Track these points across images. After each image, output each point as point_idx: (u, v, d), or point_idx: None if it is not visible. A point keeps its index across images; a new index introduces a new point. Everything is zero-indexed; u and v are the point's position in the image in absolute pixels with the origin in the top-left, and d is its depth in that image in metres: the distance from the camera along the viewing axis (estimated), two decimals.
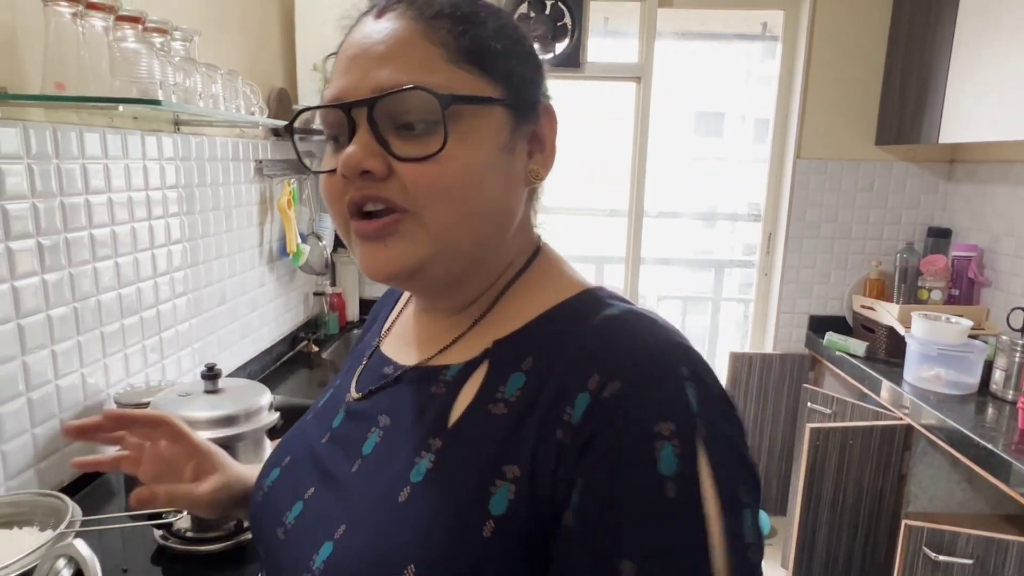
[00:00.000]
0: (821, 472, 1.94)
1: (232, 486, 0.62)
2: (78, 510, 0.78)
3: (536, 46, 0.53)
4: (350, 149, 0.46)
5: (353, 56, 0.47)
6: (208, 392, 0.98)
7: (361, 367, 0.59)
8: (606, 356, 0.44)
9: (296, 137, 0.49)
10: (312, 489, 0.51)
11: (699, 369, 0.44)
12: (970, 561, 1.39)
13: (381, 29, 0.47)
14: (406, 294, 0.63)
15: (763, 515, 2.69)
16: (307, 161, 0.56)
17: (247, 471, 0.64)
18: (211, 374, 0.98)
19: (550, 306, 0.50)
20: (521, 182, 0.51)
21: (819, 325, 2.53)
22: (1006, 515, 2.00)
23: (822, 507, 1.96)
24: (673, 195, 2.97)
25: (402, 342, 0.58)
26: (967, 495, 1.99)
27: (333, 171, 0.48)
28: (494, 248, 0.51)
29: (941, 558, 1.39)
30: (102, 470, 0.64)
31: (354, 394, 0.56)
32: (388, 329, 0.62)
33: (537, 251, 0.55)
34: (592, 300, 0.50)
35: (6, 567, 0.66)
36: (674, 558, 0.39)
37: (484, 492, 0.43)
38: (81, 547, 0.63)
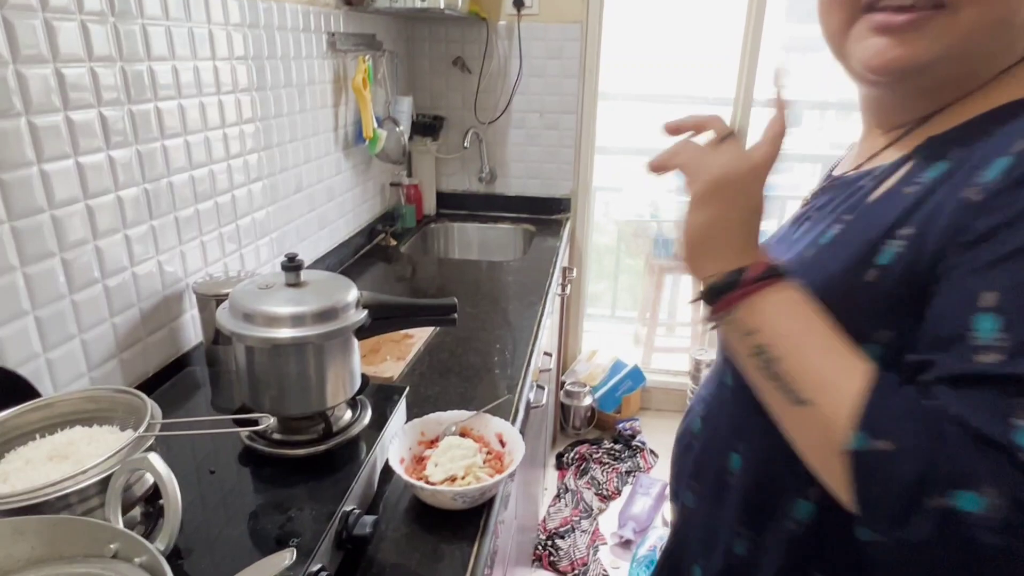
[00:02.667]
0: None
1: None
2: (157, 410, 0.70)
3: None
4: None
5: None
6: (290, 285, 0.88)
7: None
8: None
9: None
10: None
11: None
12: None
13: None
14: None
15: None
16: None
17: None
18: (292, 265, 0.87)
19: (995, 106, 0.50)
20: None
21: None
22: None
23: None
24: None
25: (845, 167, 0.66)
26: None
27: None
28: (994, 60, 0.51)
29: None
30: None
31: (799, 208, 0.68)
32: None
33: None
34: None
35: (86, 471, 0.59)
36: None
37: (876, 249, 0.50)
38: (156, 462, 0.55)
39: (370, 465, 0.88)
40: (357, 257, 1.95)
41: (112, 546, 0.51)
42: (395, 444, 0.93)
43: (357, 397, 0.97)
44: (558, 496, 2.21)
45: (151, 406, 0.71)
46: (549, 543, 1.99)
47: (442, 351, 1.36)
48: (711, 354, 2.66)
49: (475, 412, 1.00)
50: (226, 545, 0.71)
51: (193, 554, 0.69)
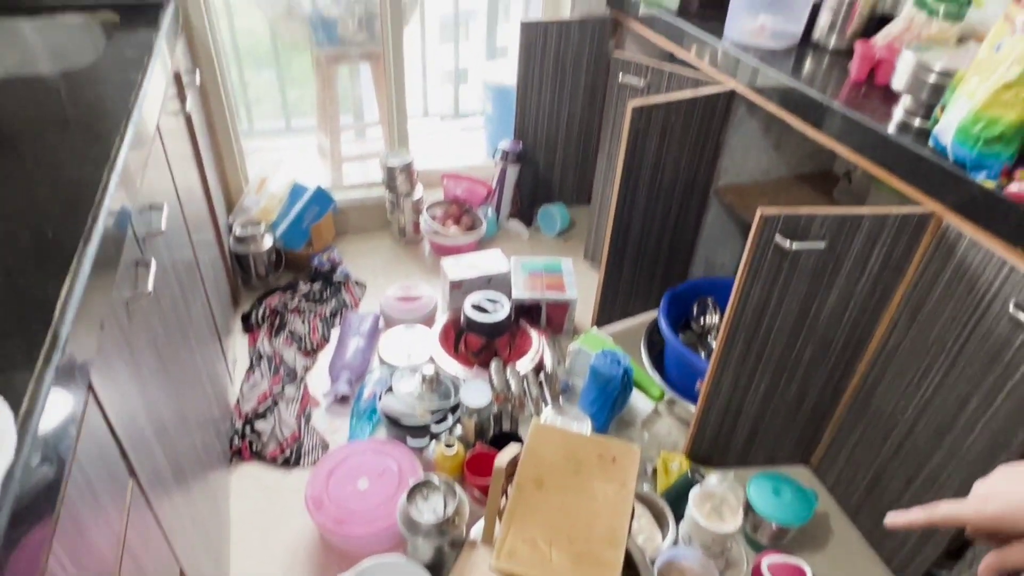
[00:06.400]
0: (641, 154, 1.64)
1: None
2: None
3: None
4: None
5: None
6: None
7: None
8: None
9: None
10: None
11: None
12: (823, 244, 1.22)
13: None
14: None
15: (560, 208, 2.48)
16: None
17: None
18: None
19: None
20: None
21: None
22: (802, 175, 1.95)
23: (639, 191, 1.71)
24: None
25: None
26: (772, 162, 1.87)
27: None
28: None
29: (795, 246, 1.20)
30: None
31: None
32: None
33: None
34: None
35: None
36: None
37: None
38: None
39: None
40: None
41: None
42: None
43: None
44: (251, 367, 1.81)
45: None
46: (248, 429, 1.62)
47: None
48: (404, 158, 2.29)
49: None
50: None
51: None
